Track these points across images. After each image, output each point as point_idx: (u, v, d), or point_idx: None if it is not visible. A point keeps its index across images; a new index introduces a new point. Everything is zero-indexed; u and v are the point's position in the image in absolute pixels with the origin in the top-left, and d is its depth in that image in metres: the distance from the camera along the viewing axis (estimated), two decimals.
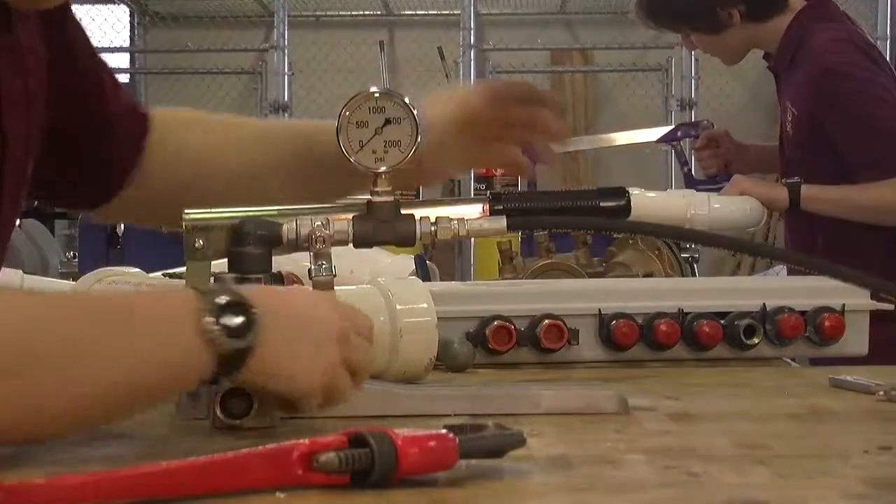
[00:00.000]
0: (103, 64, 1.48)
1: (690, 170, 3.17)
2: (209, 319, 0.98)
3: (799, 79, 2.70)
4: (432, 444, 0.89)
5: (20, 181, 1.30)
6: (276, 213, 1.27)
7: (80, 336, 0.94)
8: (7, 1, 1.24)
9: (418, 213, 1.27)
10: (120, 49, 8.54)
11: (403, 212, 1.27)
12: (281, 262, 1.81)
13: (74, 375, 0.93)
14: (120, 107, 1.49)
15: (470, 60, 7.09)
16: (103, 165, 1.47)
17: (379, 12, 8.26)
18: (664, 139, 3.26)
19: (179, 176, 1.50)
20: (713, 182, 2.90)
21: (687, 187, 3.02)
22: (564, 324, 1.68)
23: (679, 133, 3.25)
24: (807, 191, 2.60)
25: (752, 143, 3.15)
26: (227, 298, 0.99)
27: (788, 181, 2.66)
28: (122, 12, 8.42)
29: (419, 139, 1.27)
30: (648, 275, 2.13)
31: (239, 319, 0.99)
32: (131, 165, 1.49)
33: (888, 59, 2.94)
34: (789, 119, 2.74)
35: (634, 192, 1.55)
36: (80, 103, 1.43)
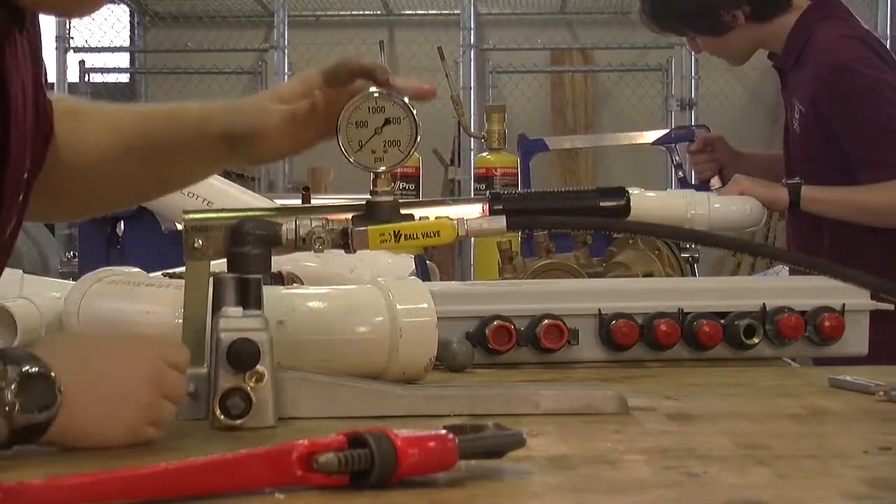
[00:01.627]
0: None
1: (685, 173, 3.17)
2: (7, 391, 0.96)
3: (806, 76, 2.69)
4: (432, 444, 0.89)
5: (17, 190, 1.29)
6: (275, 213, 1.27)
7: None
8: (35, 5, 1.22)
9: (418, 213, 1.27)
10: (120, 49, 8.54)
11: (403, 212, 1.27)
12: (281, 262, 1.82)
13: None
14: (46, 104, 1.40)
15: (470, 60, 7.08)
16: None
17: (379, 12, 8.27)
18: (659, 142, 3.26)
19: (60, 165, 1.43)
20: (706, 187, 2.90)
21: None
22: (564, 324, 1.68)
23: (673, 136, 3.25)
24: (807, 191, 2.60)
25: (750, 152, 3.15)
26: (29, 368, 0.98)
27: (789, 181, 2.65)
28: (122, 12, 8.42)
29: (418, 139, 1.27)
30: (648, 275, 2.13)
31: (39, 394, 0.98)
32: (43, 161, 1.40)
33: None
34: (796, 117, 2.73)
35: (634, 192, 1.55)
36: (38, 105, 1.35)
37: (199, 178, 1.56)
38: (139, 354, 1.08)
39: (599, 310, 1.72)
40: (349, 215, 1.26)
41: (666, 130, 3.37)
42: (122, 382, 1.05)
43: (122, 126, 1.44)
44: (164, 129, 1.42)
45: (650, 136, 3.37)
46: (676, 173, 3.17)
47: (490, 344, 1.67)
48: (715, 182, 2.93)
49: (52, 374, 0.99)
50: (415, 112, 1.27)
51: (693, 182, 3.05)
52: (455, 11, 7.35)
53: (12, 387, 0.97)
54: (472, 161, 4.55)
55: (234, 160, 1.40)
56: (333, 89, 1.31)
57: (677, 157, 3.18)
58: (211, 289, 1.21)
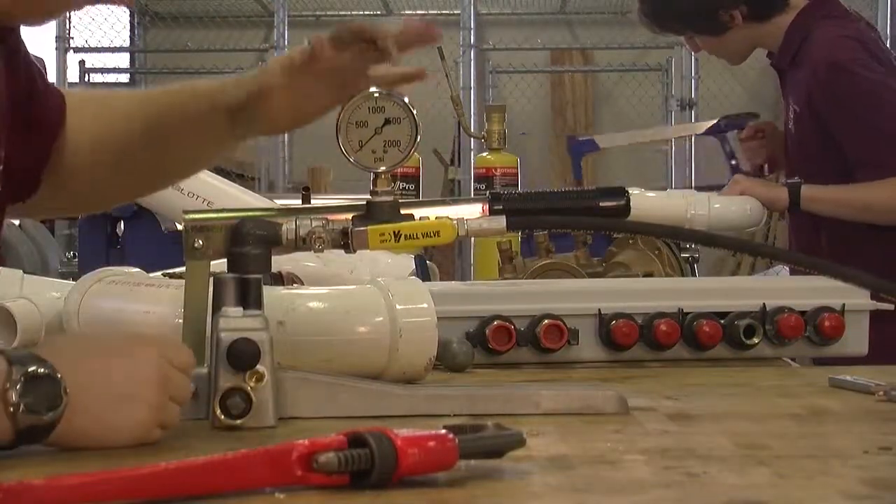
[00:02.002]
0: (36, 59, 1.42)
1: (737, 162, 3.16)
2: (12, 391, 0.97)
3: (802, 75, 2.69)
4: (432, 444, 0.89)
5: None
6: (275, 213, 1.27)
7: None
8: (6, 19, 1.22)
9: (418, 213, 1.27)
10: (120, 49, 8.55)
11: (403, 212, 1.27)
12: (281, 262, 1.82)
13: None
14: (50, 101, 1.43)
15: (470, 60, 7.09)
16: (33, 160, 1.41)
17: (379, 12, 8.27)
18: (710, 132, 3.25)
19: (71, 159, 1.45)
20: (760, 173, 2.90)
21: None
22: (564, 324, 1.68)
23: (724, 125, 3.24)
24: (806, 191, 2.60)
25: None
26: (36, 369, 0.98)
27: (788, 181, 2.65)
28: (122, 12, 8.42)
29: (418, 139, 1.27)
30: (648, 275, 2.12)
31: (44, 394, 0.98)
32: (49, 155, 1.43)
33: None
34: (791, 116, 2.74)
35: (634, 192, 1.56)
36: (23, 104, 1.37)
37: (201, 161, 1.55)
38: (144, 356, 1.07)
39: (599, 310, 1.72)
40: (349, 215, 1.26)
41: (714, 121, 3.36)
42: (129, 384, 1.05)
43: (129, 114, 1.45)
44: (170, 107, 1.43)
45: (700, 126, 3.37)
46: (729, 162, 3.16)
47: (490, 344, 1.67)
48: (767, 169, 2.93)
49: (59, 375, 0.99)
50: (415, 112, 1.27)
51: (745, 169, 3.03)
52: (455, 11, 7.35)
53: (17, 387, 0.97)
54: (472, 161, 4.55)
55: (242, 132, 1.41)
56: (338, 50, 1.31)
57: (728, 146, 3.17)
58: (211, 289, 1.21)
